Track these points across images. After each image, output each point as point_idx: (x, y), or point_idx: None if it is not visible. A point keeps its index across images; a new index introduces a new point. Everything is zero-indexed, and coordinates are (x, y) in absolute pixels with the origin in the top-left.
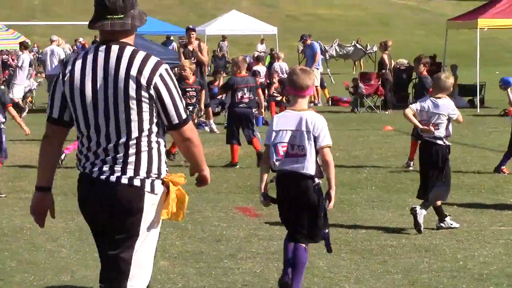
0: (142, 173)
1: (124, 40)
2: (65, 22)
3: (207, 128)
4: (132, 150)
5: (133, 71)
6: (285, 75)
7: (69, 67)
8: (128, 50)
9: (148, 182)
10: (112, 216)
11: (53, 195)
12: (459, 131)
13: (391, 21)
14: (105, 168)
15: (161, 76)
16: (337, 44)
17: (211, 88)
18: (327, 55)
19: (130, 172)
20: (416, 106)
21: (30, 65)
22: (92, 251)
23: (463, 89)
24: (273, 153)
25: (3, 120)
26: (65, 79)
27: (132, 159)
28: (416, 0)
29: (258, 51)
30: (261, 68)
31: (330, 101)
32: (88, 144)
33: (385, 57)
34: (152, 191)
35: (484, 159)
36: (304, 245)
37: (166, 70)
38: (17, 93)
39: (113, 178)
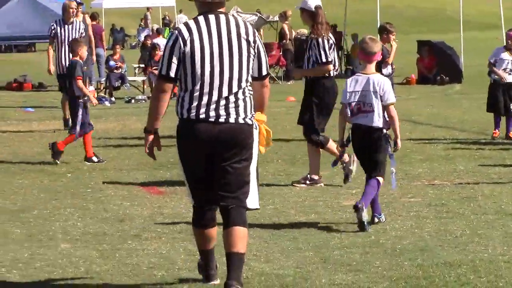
0: (250, 114)
1: (220, 10)
2: None
3: (107, 103)
4: (241, 97)
5: (243, 33)
6: None
7: (186, 33)
8: (231, 17)
9: (254, 120)
10: (233, 147)
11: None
12: None
13: None
14: (222, 112)
15: (258, 37)
16: (236, 12)
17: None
18: None
19: (242, 114)
20: None
21: None
22: None
23: None
24: (348, 111)
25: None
26: (186, 42)
27: (242, 103)
28: None
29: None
30: (161, 41)
31: None
32: (202, 95)
33: (285, 27)
34: (256, 127)
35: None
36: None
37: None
38: None
39: (231, 120)
